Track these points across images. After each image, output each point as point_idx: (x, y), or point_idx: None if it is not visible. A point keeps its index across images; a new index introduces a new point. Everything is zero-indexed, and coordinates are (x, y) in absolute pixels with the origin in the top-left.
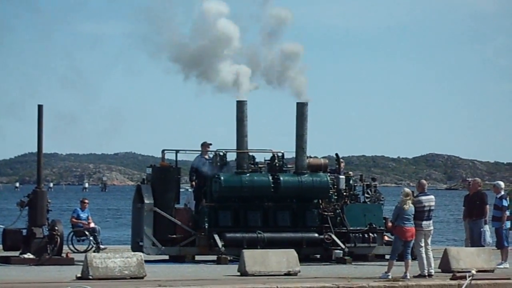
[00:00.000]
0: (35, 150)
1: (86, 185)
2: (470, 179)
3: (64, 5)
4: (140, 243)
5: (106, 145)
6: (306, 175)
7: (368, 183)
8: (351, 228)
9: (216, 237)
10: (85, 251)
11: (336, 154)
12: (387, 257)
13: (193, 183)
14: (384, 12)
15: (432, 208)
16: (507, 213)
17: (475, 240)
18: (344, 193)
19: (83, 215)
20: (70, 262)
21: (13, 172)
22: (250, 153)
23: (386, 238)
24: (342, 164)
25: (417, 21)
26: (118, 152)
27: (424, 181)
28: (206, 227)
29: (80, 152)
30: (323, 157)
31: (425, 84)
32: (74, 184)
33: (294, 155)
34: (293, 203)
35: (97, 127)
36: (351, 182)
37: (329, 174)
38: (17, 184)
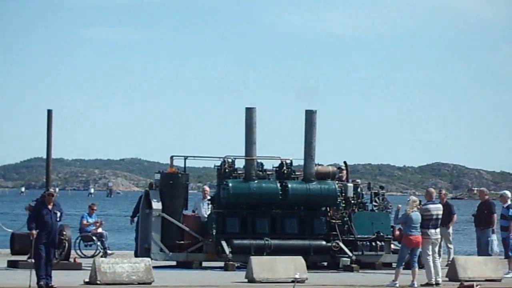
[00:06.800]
0: (40, 155)
1: (92, 190)
2: (475, 188)
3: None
4: (148, 247)
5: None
6: (314, 183)
7: (376, 191)
8: (358, 236)
9: (224, 243)
10: (92, 256)
11: (345, 162)
12: (394, 265)
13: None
14: (387, 19)
15: (440, 216)
16: None
17: (482, 249)
18: (352, 201)
19: (91, 220)
20: (78, 266)
21: (19, 177)
22: (259, 160)
23: (393, 246)
24: (345, 172)
25: (421, 29)
26: (124, 158)
27: (432, 189)
28: (214, 233)
29: (86, 158)
30: (329, 165)
31: (431, 93)
32: (79, 189)
33: (302, 162)
34: (301, 210)
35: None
36: (359, 190)
37: (337, 182)
38: (23, 189)
